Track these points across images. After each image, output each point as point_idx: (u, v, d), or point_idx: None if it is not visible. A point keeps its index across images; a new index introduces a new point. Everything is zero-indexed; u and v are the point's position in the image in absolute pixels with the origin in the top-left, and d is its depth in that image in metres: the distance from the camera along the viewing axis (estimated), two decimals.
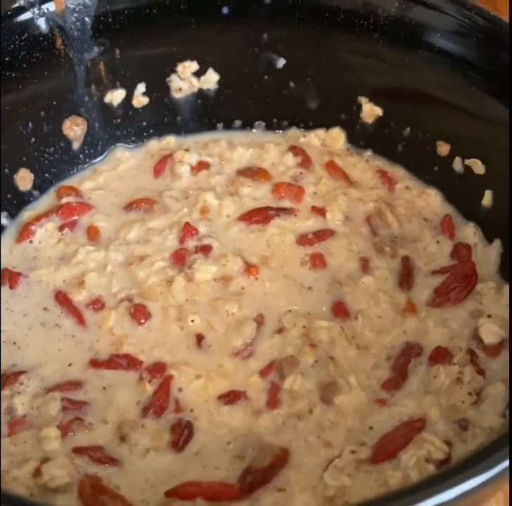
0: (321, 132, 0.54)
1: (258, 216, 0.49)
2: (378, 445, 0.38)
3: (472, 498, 0.28)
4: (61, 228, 0.49)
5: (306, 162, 0.52)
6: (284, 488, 0.37)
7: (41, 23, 0.47)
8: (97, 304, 0.45)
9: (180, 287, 0.45)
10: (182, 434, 0.39)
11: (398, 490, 0.28)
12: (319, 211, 0.49)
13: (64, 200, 0.50)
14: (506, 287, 0.44)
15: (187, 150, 0.53)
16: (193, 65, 0.52)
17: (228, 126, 0.55)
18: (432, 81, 0.47)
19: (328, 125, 0.53)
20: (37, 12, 0.47)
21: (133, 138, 0.54)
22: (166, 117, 0.54)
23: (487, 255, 0.46)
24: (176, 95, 0.53)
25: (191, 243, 0.48)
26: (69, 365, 0.42)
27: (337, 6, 0.48)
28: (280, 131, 0.55)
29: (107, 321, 0.44)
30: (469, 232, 0.47)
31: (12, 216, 0.50)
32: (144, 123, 0.54)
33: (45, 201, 0.51)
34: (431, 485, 0.27)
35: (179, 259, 0.47)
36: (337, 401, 0.40)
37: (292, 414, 0.40)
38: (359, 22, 0.48)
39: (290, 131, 0.55)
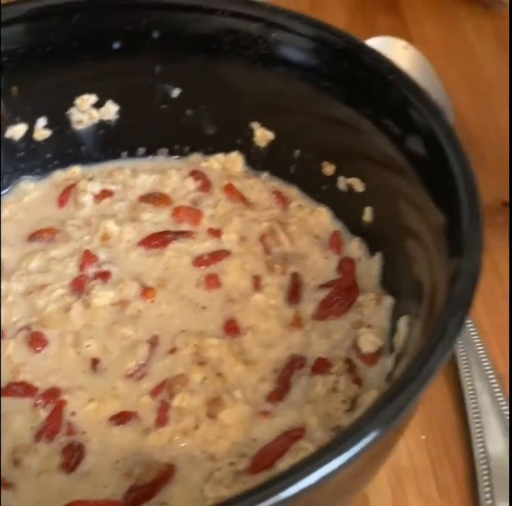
0: (220, 156, 0.56)
1: (157, 240, 0.51)
2: (257, 456, 0.40)
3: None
4: None
5: (206, 186, 0.55)
6: (167, 502, 0.39)
7: None
8: None
9: (77, 314, 0.47)
10: (73, 456, 0.41)
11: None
12: (215, 233, 0.51)
13: None
14: (386, 298, 0.46)
15: (91, 179, 0.55)
16: (92, 98, 0.54)
17: (132, 153, 0.57)
18: (315, 106, 0.49)
19: (226, 149, 0.55)
20: None
21: (38, 170, 0.55)
22: (70, 148, 0.56)
23: (370, 268, 0.48)
24: (78, 126, 0.55)
25: (91, 270, 0.50)
26: None
27: (218, 36, 0.50)
28: (183, 157, 0.57)
29: (6, 350, 0.46)
30: (354, 247, 0.50)
31: None
32: (48, 155, 0.55)
33: None
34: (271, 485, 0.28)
35: (78, 286, 0.49)
36: (222, 415, 0.42)
37: (178, 430, 0.41)
38: (240, 51, 0.50)
39: (192, 156, 0.57)
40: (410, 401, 0.30)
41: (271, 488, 0.28)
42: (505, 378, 0.50)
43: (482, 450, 0.46)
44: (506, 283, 0.56)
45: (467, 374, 0.49)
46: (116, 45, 0.52)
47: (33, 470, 0.40)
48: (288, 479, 0.28)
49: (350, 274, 0.48)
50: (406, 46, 0.66)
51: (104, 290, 0.48)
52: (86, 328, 0.46)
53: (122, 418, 0.42)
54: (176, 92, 0.54)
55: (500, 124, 0.67)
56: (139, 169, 0.57)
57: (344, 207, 0.51)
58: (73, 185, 0.55)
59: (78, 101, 0.54)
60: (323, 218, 0.52)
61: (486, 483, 0.44)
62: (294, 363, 0.44)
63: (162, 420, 0.42)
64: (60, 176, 0.56)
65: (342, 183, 0.50)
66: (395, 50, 0.66)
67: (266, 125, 0.53)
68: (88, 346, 0.46)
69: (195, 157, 0.57)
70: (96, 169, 0.57)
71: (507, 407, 0.47)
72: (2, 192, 0.55)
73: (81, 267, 0.50)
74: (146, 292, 0.48)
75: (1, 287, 0.49)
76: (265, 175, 0.55)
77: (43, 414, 0.42)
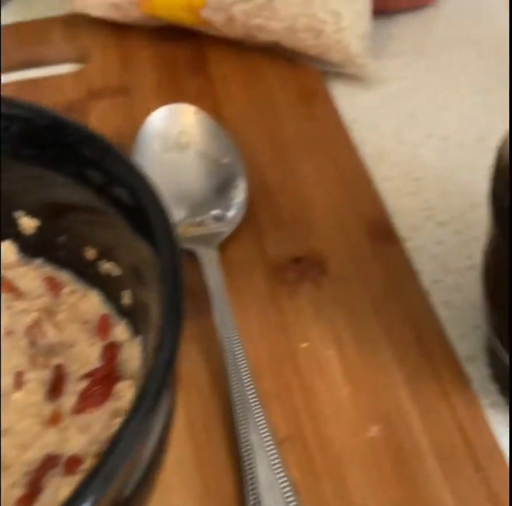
0: None
1: None
2: None
3: None
4: None
5: None
6: None
7: None
8: None
9: None
10: None
11: None
12: None
13: None
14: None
15: None
16: None
17: None
18: (67, 193, 0.49)
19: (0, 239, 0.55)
20: None
21: None
22: None
23: (132, 351, 0.48)
24: None
25: None
26: None
27: None
28: None
29: None
30: (120, 331, 0.49)
31: None
32: None
33: None
34: None
35: None
36: None
37: None
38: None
39: None
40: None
41: None
42: (291, 440, 0.51)
43: None
44: (295, 345, 0.57)
45: (245, 443, 0.49)
46: None
47: None
48: None
49: (111, 360, 0.48)
50: (197, 110, 0.67)
51: None
52: None
53: None
54: None
55: (298, 180, 0.69)
56: None
57: (110, 290, 0.51)
58: None
59: None
60: (92, 303, 0.52)
61: None
62: (47, 463, 0.43)
63: None
64: None
65: (103, 266, 0.50)
66: (186, 115, 0.67)
67: (31, 214, 0.53)
68: None
69: None
70: None
71: (286, 482, 0.47)
72: None
73: None
74: None
75: None
76: (38, 261, 0.54)
77: None
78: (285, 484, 0.47)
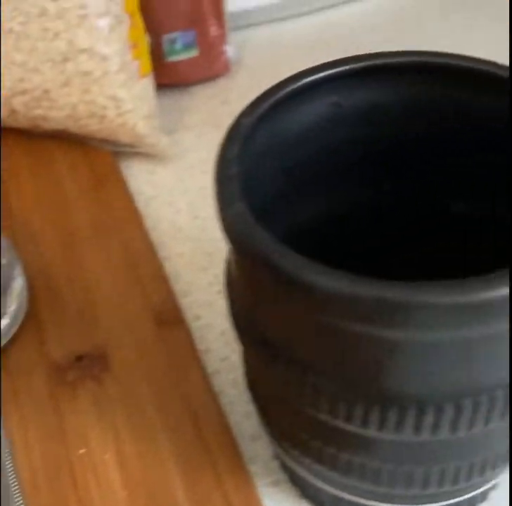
0: None
1: None
2: None
3: None
4: None
5: None
6: None
7: None
8: None
9: None
10: None
11: None
12: None
13: None
14: None
15: None
16: None
17: None
18: None
19: None
20: None
21: None
22: None
23: None
24: None
25: None
26: None
27: None
28: None
29: None
30: None
31: None
32: None
33: None
34: None
35: None
36: None
37: None
38: None
39: None
40: None
41: None
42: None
43: None
44: (72, 452, 0.55)
45: None
46: None
47: None
48: None
49: None
50: None
51: None
52: None
53: None
54: None
55: (85, 271, 0.68)
56: None
57: None
58: None
59: None
60: None
61: None
62: None
63: None
64: None
65: None
66: None
67: None
68: None
69: None
70: None
71: None
72: None
73: None
74: None
75: None
76: None
77: None
78: None
